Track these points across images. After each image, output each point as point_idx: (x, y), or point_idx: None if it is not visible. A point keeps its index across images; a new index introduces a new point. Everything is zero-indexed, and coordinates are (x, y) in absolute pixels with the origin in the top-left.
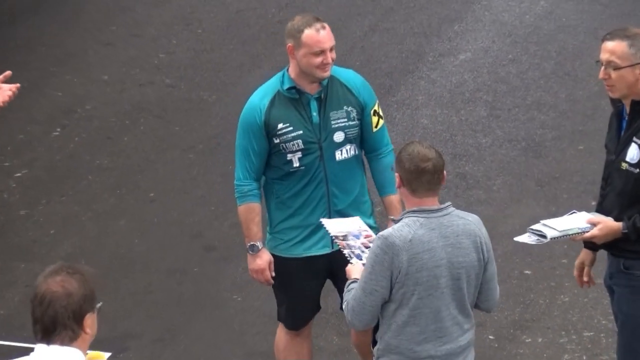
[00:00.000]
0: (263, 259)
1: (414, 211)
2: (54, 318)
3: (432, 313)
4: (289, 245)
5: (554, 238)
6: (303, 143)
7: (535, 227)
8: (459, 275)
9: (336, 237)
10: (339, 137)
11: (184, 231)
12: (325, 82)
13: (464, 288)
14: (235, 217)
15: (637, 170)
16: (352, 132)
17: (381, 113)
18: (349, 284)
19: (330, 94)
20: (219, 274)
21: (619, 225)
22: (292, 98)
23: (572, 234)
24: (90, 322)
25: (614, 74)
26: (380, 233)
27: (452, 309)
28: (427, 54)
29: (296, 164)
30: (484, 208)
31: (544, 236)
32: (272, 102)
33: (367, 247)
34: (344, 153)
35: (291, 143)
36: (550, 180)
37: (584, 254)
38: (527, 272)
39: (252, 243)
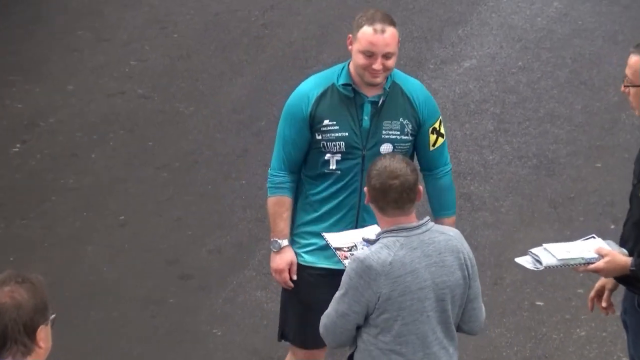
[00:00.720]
0: (283, 259)
1: (392, 230)
2: (3, 332)
3: (418, 339)
4: (305, 250)
5: (550, 267)
6: (346, 146)
7: (535, 250)
8: (444, 295)
9: (339, 248)
10: (386, 148)
11: (158, 258)
12: (386, 87)
13: (449, 309)
14: (215, 242)
15: None
16: (403, 147)
17: (443, 131)
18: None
19: (388, 101)
20: (197, 306)
21: (627, 261)
22: (346, 95)
23: (573, 264)
24: (44, 335)
25: (631, 91)
26: (356, 255)
27: (438, 333)
28: (427, 60)
29: (333, 166)
30: (491, 232)
31: (540, 262)
32: (324, 95)
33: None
34: None
35: (333, 143)
36: (564, 201)
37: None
38: (539, 303)
39: (274, 239)
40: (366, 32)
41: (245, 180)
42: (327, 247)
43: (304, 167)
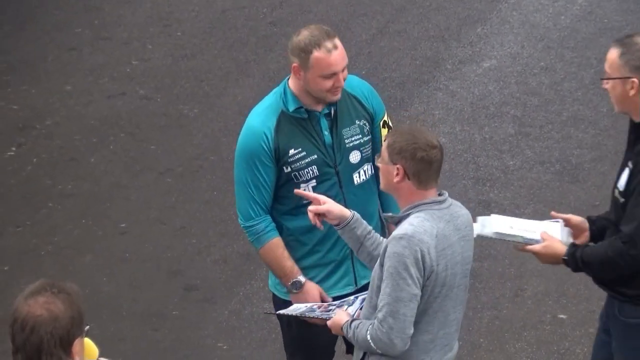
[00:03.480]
0: (311, 294)
1: (425, 203)
2: (38, 346)
3: (443, 316)
4: None
5: (482, 236)
6: (318, 169)
7: (481, 218)
8: (466, 271)
9: (300, 313)
10: (355, 157)
11: (161, 268)
12: None
13: (465, 286)
14: (220, 252)
15: (623, 199)
16: (368, 149)
17: (391, 124)
18: (351, 323)
19: (340, 108)
20: (202, 318)
21: (563, 249)
22: (300, 118)
23: (514, 241)
24: (79, 348)
25: (608, 85)
26: (397, 233)
27: (458, 313)
28: (445, 61)
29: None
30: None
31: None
32: (279, 125)
33: (327, 311)
34: (362, 175)
35: (305, 170)
36: (589, 209)
37: None
38: (561, 316)
39: (292, 281)
40: (321, 57)
41: None
42: (327, 277)
43: (277, 205)
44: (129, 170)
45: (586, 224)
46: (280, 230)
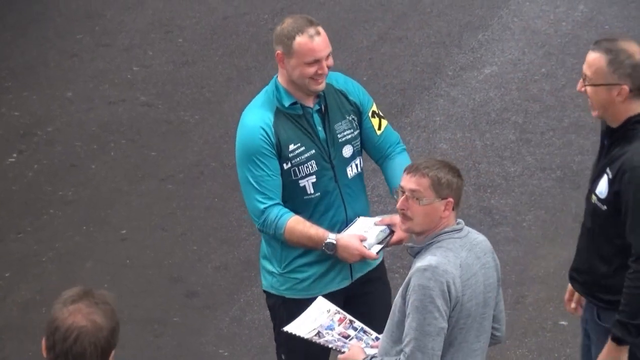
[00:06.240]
0: (350, 241)
1: (445, 232)
2: (81, 356)
3: (467, 347)
4: (306, 284)
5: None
6: (317, 164)
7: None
8: (489, 299)
9: (311, 339)
10: (347, 151)
11: (162, 274)
12: (322, 91)
13: (489, 315)
14: (221, 258)
15: (605, 207)
16: (358, 143)
17: (381, 113)
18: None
19: (330, 104)
20: (203, 325)
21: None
22: (295, 114)
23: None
24: (112, 358)
25: (589, 90)
26: (421, 265)
27: (482, 342)
28: (446, 67)
29: (310, 190)
30: (512, 248)
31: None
32: (277, 121)
33: (345, 337)
34: (354, 168)
35: (305, 166)
36: None
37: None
38: (562, 322)
39: (325, 243)
40: (302, 41)
41: None
42: (325, 273)
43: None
44: (129, 176)
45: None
46: None
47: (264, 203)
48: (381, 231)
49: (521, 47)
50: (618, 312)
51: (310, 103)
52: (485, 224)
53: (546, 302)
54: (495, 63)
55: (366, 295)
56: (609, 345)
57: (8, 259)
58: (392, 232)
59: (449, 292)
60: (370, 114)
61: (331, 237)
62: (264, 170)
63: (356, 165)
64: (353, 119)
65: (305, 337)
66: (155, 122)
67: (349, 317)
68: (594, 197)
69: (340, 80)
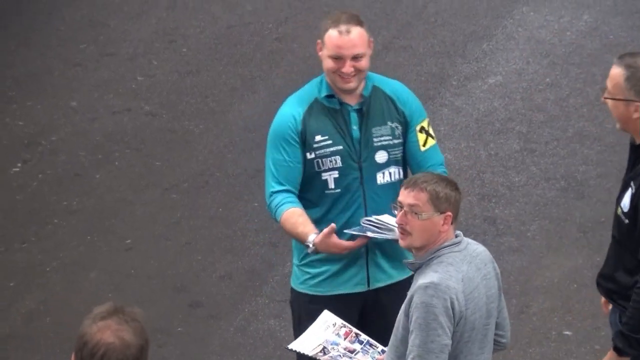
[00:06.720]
0: (326, 243)
1: (445, 247)
2: None
3: (472, 359)
4: (317, 280)
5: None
6: (342, 161)
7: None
8: (492, 310)
9: (315, 356)
10: (381, 157)
11: (166, 284)
12: (367, 93)
13: (492, 325)
14: (225, 268)
15: (627, 221)
16: (396, 152)
17: (432, 132)
18: None
19: (373, 106)
20: (207, 335)
21: None
22: (332, 108)
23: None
24: None
25: (609, 103)
26: (423, 282)
27: (486, 353)
28: (450, 77)
29: (331, 185)
30: (516, 258)
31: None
32: (310, 111)
33: (351, 351)
34: (387, 176)
35: (329, 159)
36: (594, 226)
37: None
38: (567, 332)
39: (306, 244)
40: (332, 35)
41: (258, 203)
42: (338, 272)
43: (301, 190)
44: (134, 186)
45: None
46: None
47: (274, 187)
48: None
49: (525, 56)
50: (622, 323)
51: (351, 101)
52: (490, 234)
53: (550, 312)
54: (499, 73)
55: (383, 307)
56: (610, 353)
57: (12, 269)
58: None
59: (453, 308)
60: (417, 129)
61: (310, 240)
62: (283, 156)
63: (390, 173)
64: (396, 127)
65: (310, 354)
66: (160, 132)
67: (354, 330)
68: (619, 209)
69: (394, 87)
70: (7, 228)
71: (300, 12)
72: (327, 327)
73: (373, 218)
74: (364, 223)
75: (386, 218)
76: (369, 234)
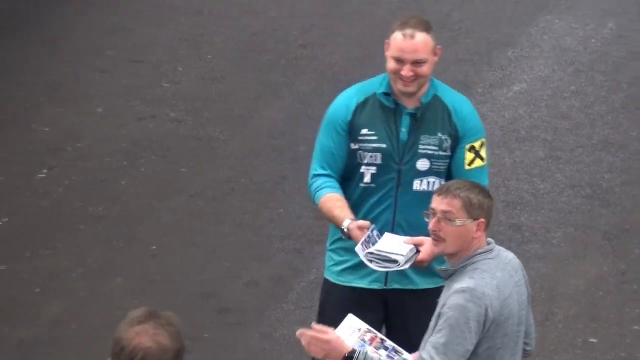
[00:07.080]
0: (354, 228)
1: (479, 254)
2: None
3: None
4: (338, 268)
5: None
6: (382, 158)
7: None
8: (522, 317)
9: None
10: (423, 164)
11: (192, 291)
12: (425, 100)
13: (522, 332)
14: (251, 274)
15: None
16: (440, 164)
17: (484, 154)
18: None
19: (428, 114)
20: (233, 341)
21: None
22: (387, 106)
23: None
24: None
25: None
26: (460, 287)
27: (517, 358)
28: (475, 84)
29: (367, 179)
30: (542, 264)
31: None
32: (364, 103)
33: (378, 347)
34: (424, 184)
35: (369, 154)
36: (619, 233)
37: None
38: (592, 340)
39: (341, 227)
40: (396, 37)
41: (283, 209)
42: (357, 266)
43: (341, 177)
44: (159, 192)
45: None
46: None
47: (317, 170)
48: (410, 250)
49: (550, 64)
50: None
51: (408, 104)
52: (515, 241)
53: (576, 319)
54: (524, 80)
55: (406, 313)
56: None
57: (38, 275)
58: (417, 252)
59: (486, 314)
60: (467, 147)
61: (345, 225)
62: (330, 143)
63: (429, 182)
64: (446, 139)
65: None
66: (185, 138)
67: (379, 335)
68: None
69: (456, 100)
70: (33, 234)
71: (325, 19)
72: (352, 332)
73: (374, 250)
74: (367, 257)
75: (388, 242)
76: (373, 266)
